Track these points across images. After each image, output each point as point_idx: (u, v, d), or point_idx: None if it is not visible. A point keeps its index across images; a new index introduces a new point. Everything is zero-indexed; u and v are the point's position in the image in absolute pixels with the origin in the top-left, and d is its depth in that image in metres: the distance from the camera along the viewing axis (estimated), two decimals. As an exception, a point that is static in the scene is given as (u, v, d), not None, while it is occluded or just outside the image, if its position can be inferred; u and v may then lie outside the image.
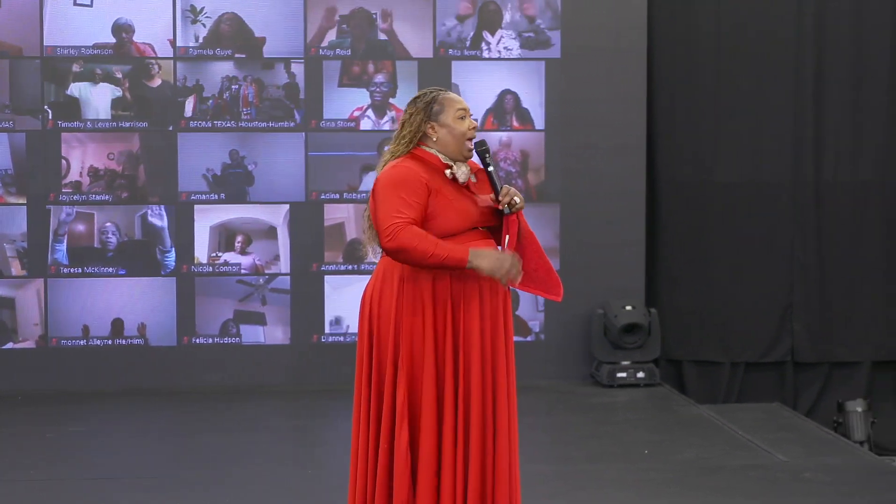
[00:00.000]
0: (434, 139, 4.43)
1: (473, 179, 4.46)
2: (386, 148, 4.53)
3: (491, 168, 4.43)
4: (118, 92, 8.64)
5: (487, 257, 4.27)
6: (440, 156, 4.43)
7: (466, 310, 4.36)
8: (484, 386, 4.36)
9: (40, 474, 6.41)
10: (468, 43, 8.80)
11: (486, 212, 4.44)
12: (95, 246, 8.68)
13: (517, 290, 4.52)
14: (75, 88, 8.63)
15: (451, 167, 4.42)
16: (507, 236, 4.42)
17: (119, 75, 8.64)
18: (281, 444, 7.31)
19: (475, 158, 4.51)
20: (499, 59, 8.84)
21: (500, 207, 4.42)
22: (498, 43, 8.82)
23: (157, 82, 8.67)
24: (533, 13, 8.82)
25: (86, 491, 6.09)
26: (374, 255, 4.57)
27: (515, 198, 4.40)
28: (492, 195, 4.44)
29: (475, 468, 4.34)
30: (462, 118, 4.44)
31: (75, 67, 8.60)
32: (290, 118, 8.73)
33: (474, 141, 4.46)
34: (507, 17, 8.83)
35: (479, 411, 4.34)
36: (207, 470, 6.52)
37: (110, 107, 8.65)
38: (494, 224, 4.48)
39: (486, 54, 8.83)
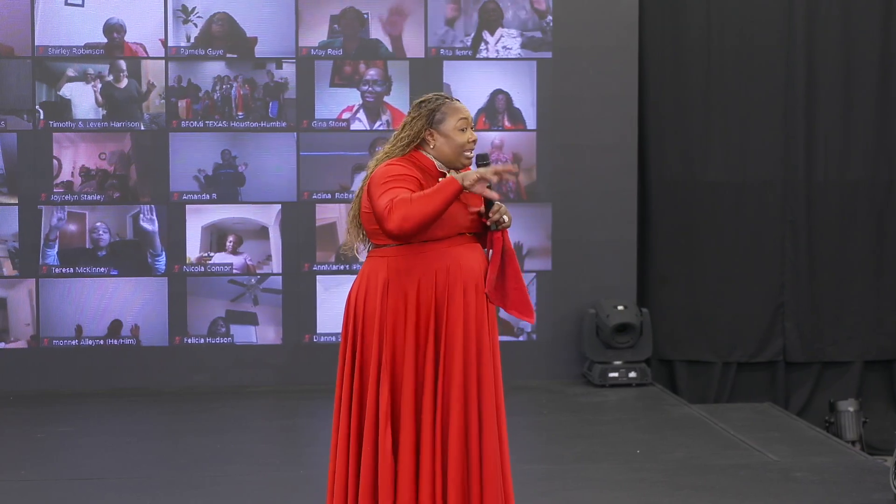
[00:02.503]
0: (432, 146, 4.43)
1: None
2: (378, 149, 4.53)
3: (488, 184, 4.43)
4: (90, 94, 8.63)
5: (469, 174, 4.24)
6: (436, 162, 4.44)
7: (450, 312, 4.35)
8: (467, 388, 4.35)
9: (30, 474, 6.40)
10: (468, 42, 8.80)
11: (474, 219, 4.44)
12: (87, 246, 8.67)
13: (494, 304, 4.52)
14: (68, 90, 8.62)
15: (444, 175, 4.42)
16: (491, 251, 4.44)
17: (110, 77, 8.64)
18: (273, 444, 7.31)
19: (472, 169, 4.51)
20: (490, 59, 8.83)
21: (488, 223, 4.42)
22: (497, 42, 8.82)
23: (123, 83, 8.66)
24: (544, 8, 8.81)
25: (76, 491, 6.09)
26: (359, 255, 4.57)
27: (504, 216, 4.41)
28: (482, 208, 4.45)
29: (455, 471, 4.32)
30: (463, 129, 4.43)
31: (70, 72, 8.59)
32: (280, 118, 8.73)
33: (476, 154, 4.46)
34: (508, 15, 8.82)
35: (460, 414, 4.33)
36: (199, 470, 6.52)
37: (96, 108, 8.65)
38: (481, 231, 4.49)
39: (483, 54, 8.83)
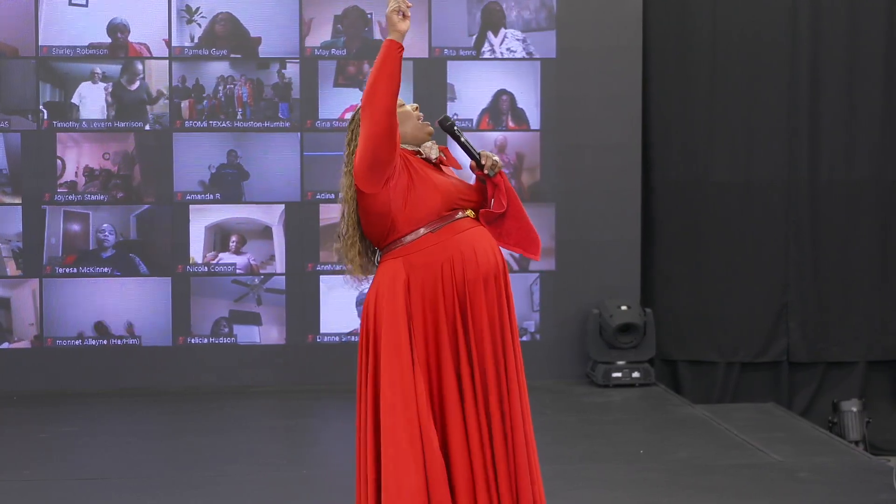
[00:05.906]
0: None
1: (443, 157, 4.47)
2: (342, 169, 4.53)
3: (464, 139, 4.44)
4: (102, 94, 8.64)
5: (389, 21, 4.24)
6: (404, 147, 4.43)
7: (473, 305, 4.31)
8: (499, 378, 4.34)
9: (34, 474, 6.41)
10: (472, 43, 8.79)
11: (465, 188, 4.43)
12: (90, 247, 8.68)
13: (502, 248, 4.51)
14: (80, 93, 8.62)
15: (418, 151, 4.42)
16: (493, 200, 4.42)
17: (123, 78, 8.64)
18: (275, 444, 7.31)
19: (439, 140, 4.51)
20: (494, 59, 8.84)
21: (486, 172, 4.41)
22: (501, 44, 8.82)
23: (135, 85, 8.67)
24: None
25: (80, 491, 6.09)
26: (364, 278, 4.52)
27: (495, 158, 4.42)
28: (471, 164, 4.45)
29: (500, 460, 4.31)
30: (401, 105, 4.44)
31: (79, 75, 8.60)
32: (278, 118, 8.74)
33: (438, 119, 4.47)
34: (511, 15, 8.82)
35: (497, 404, 4.32)
36: (202, 470, 6.52)
37: (105, 108, 8.66)
38: (477, 200, 4.47)
39: (487, 55, 8.82)
